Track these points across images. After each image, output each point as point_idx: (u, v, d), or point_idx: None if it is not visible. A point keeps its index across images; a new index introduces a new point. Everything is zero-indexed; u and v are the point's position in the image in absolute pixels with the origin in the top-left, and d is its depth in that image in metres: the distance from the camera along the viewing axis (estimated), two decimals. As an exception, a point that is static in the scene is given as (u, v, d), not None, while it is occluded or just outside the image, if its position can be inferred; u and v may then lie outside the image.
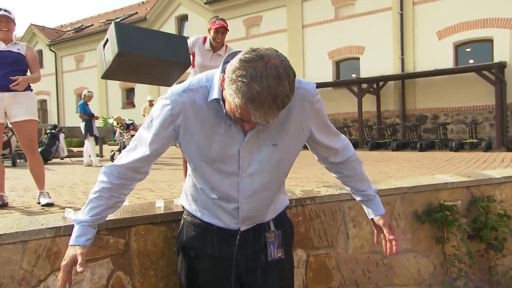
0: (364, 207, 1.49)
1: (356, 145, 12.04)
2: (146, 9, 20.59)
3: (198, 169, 1.22)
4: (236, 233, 1.26)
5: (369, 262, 2.12)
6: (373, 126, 12.69)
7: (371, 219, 1.47)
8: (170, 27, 18.90)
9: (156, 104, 1.23)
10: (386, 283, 2.18)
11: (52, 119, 23.39)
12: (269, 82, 0.95)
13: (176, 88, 1.19)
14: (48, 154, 8.98)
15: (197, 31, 17.90)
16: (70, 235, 1.39)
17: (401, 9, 12.71)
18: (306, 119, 1.22)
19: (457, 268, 2.31)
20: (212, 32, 3.62)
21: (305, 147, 1.35)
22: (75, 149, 12.43)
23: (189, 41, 3.67)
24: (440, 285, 2.33)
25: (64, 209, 3.05)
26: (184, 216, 1.36)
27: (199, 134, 1.16)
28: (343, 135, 1.39)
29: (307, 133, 1.25)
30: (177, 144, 1.27)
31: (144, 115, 11.25)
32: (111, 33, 2.89)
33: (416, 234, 2.26)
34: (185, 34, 18.61)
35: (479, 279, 2.45)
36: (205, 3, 17.24)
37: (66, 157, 9.83)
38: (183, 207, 1.37)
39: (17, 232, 1.30)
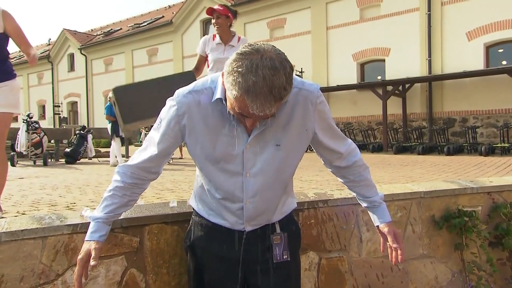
0: (370, 213, 1.48)
1: (380, 148, 11.85)
2: (172, 13, 21.01)
3: (204, 169, 1.25)
4: (242, 234, 1.28)
5: (383, 267, 2.09)
6: (398, 129, 12.44)
7: (376, 226, 1.46)
8: (195, 31, 19.20)
9: (164, 107, 1.27)
10: (402, 289, 2.15)
11: (82, 121, 24.21)
12: (264, 73, 0.98)
13: (182, 90, 1.23)
14: (76, 154, 9.31)
15: (222, 34, 18.10)
16: (87, 232, 1.47)
17: (429, 9, 12.41)
18: (309, 120, 1.23)
19: (476, 276, 2.25)
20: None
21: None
22: (103, 150, 12.82)
23: (199, 46, 3.70)
24: (459, 293, 2.28)
25: (88, 207, 3.17)
26: (193, 216, 1.40)
27: (204, 134, 1.19)
28: (349, 140, 1.39)
29: (311, 134, 1.26)
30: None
31: None
32: (114, 100, 2.83)
33: (434, 240, 2.21)
34: (210, 37, 18.88)
35: (501, 288, 2.37)
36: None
37: (94, 157, 10.15)
38: (192, 208, 1.41)
39: (37, 228, 1.38)
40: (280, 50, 1.06)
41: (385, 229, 1.41)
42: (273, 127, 1.18)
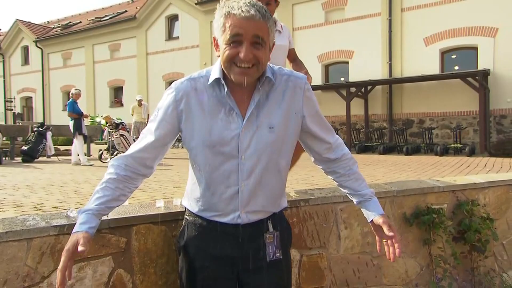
0: (363, 210, 1.46)
1: (344, 148, 12.19)
2: (136, 8, 20.47)
3: (199, 156, 1.26)
4: (236, 231, 1.30)
5: (359, 262, 2.19)
6: (361, 130, 12.89)
7: (370, 221, 1.43)
8: (160, 27, 18.83)
9: (162, 98, 1.31)
10: (375, 283, 2.26)
11: (38, 117, 23.03)
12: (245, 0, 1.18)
13: (178, 80, 1.30)
14: (35, 153, 8.87)
15: (188, 31, 17.87)
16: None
17: (390, 15, 12.94)
18: (298, 104, 1.30)
19: (442, 269, 2.41)
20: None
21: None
22: (62, 148, 12.30)
23: None
24: (426, 285, 2.42)
25: (57, 208, 3.05)
26: (186, 216, 1.39)
27: (201, 118, 1.24)
28: (336, 135, 1.44)
29: (300, 118, 1.31)
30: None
31: (132, 115, 11.18)
32: None
33: (405, 236, 2.34)
34: (175, 34, 18.58)
35: (463, 280, 2.55)
36: (196, 4, 17.23)
37: (53, 155, 9.71)
38: (185, 207, 1.41)
39: (22, 229, 1.33)
40: None
41: (379, 220, 1.38)
42: (266, 110, 1.25)
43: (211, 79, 1.24)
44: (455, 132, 11.10)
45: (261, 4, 1.18)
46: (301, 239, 2.00)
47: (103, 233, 1.50)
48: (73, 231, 1.20)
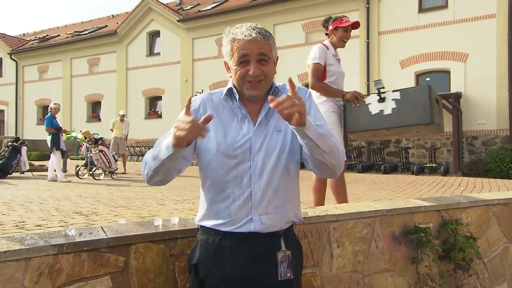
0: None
1: (323, 166, 12.36)
2: (117, 23, 20.40)
3: (215, 159, 1.33)
4: (249, 247, 1.31)
5: (351, 281, 2.22)
6: (360, 148, 13.12)
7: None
8: (141, 42, 18.80)
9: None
10: (365, 301, 2.28)
11: (10, 131, 22.29)
12: (246, 24, 1.35)
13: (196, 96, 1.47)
14: (8, 168, 8.59)
15: (169, 47, 17.90)
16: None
17: (368, 37, 13.42)
18: None
19: (429, 287, 2.46)
20: (340, 31, 3.25)
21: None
22: (36, 163, 11.91)
23: (317, 55, 3.25)
24: (413, 303, 2.47)
25: (40, 226, 2.96)
26: (198, 235, 1.41)
27: (217, 125, 1.36)
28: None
29: None
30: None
31: (112, 130, 10.94)
32: (419, 95, 2.79)
33: (394, 255, 2.39)
34: (156, 50, 18.56)
35: (448, 297, 2.61)
36: (178, 21, 17.35)
37: (28, 171, 9.41)
38: (198, 226, 1.43)
39: (21, 249, 1.30)
40: None
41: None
42: (274, 117, 1.37)
43: (224, 91, 1.42)
44: (430, 152, 11.47)
45: (261, 26, 1.36)
46: (296, 258, 2.02)
47: (102, 252, 1.48)
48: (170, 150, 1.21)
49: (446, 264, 2.63)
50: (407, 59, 12.98)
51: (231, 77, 1.39)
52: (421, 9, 12.95)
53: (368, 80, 13.41)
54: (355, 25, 3.30)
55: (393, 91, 3.03)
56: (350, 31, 3.32)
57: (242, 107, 1.38)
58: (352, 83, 13.60)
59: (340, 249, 2.18)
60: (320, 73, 3.24)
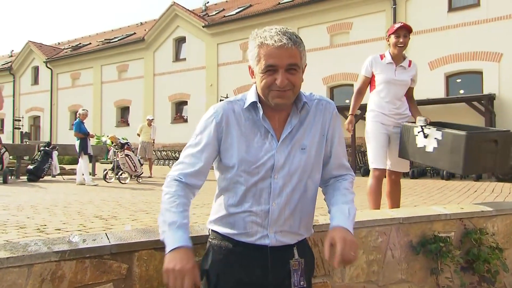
0: (330, 220, 1.35)
1: (349, 171, 12.15)
2: (145, 30, 20.94)
3: (236, 174, 1.30)
4: (262, 254, 1.29)
5: (365, 291, 2.14)
6: (365, 152, 12.82)
7: (333, 227, 1.31)
8: (167, 48, 19.18)
9: (200, 121, 1.36)
10: (381, 313, 2.19)
11: (45, 136, 23.25)
12: (276, 27, 1.27)
13: (219, 103, 1.37)
14: (40, 172, 8.92)
15: (194, 52, 18.17)
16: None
17: (395, 39, 13.10)
18: (326, 126, 1.38)
19: (450, 300, 2.34)
20: (392, 37, 3.19)
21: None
22: (67, 167, 12.34)
23: (364, 67, 3.32)
24: (434, 316, 2.35)
25: (59, 230, 3.04)
26: (210, 240, 1.39)
27: (239, 138, 1.30)
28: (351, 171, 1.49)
29: (324, 140, 1.38)
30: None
31: (139, 135, 11.16)
32: (457, 142, 2.69)
33: (411, 265, 2.29)
34: (182, 56, 18.89)
35: (472, 311, 2.47)
36: (203, 27, 17.60)
37: (58, 174, 9.75)
38: (210, 230, 1.40)
39: (23, 255, 1.32)
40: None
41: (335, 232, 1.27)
42: (300, 133, 1.33)
43: (247, 103, 1.32)
44: (461, 156, 11.02)
45: (291, 31, 1.27)
46: (305, 267, 1.96)
47: (105, 259, 1.48)
48: (177, 245, 1.18)
49: (470, 276, 2.49)
50: (436, 60, 12.58)
51: (255, 82, 1.32)
52: (451, 8, 12.54)
53: (395, 82, 13.08)
54: (406, 27, 3.18)
55: (437, 129, 2.90)
56: (405, 35, 3.19)
57: (265, 122, 1.31)
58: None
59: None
60: (362, 84, 3.34)
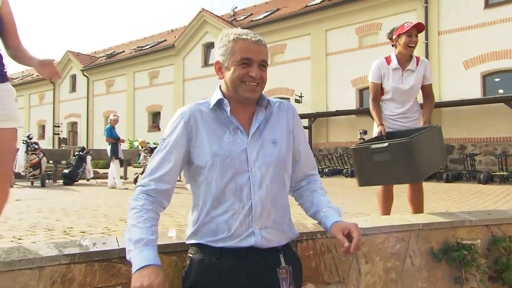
0: (323, 218, 1.43)
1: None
2: (175, 37, 21.41)
3: (211, 172, 1.30)
4: (248, 261, 1.27)
5: (383, 300, 2.07)
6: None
7: (334, 222, 1.37)
8: (196, 54, 19.52)
9: (167, 127, 1.38)
10: (401, 323, 2.11)
11: (82, 141, 24.23)
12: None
13: (186, 106, 1.42)
14: (74, 176, 9.30)
15: (223, 58, 18.38)
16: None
17: (426, 38, 12.70)
18: (290, 124, 1.47)
19: (477, 311, 2.22)
20: (403, 37, 3.03)
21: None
22: (101, 171, 12.79)
23: (372, 73, 3.21)
24: (460, 328, 2.23)
25: (84, 232, 3.15)
26: (191, 254, 1.36)
27: (210, 136, 1.33)
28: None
29: (291, 138, 1.46)
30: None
31: None
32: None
33: (433, 273, 2.19)
34: (210, 61, 19.17)
35: (502, 324, 2.33)
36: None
37: (92, 178, 10.12)
38: (189, 245, 1.38)
39: (35, 258, 1.37)
40: None
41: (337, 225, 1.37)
42: (267, 128, 1.40)
43: (213, 102, 1.37)
44: (500, 159, 10.47)
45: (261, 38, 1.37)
46: (318, 273, 1.92)
47: (113, 263, 1.51)
48: (145, 264, 1.15)
49: (499, 287, 2.35)
50: (471, 59, 12.06)
51: (221, 79, 1.38)
52: (487, 5, 11.99)
53: (427, 82, 12.66)
54: (419, 27, 3.05)
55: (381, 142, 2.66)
56: (416, 35, 3.06)
57: (233, 118, 1.36)
58: (410, 86, 12.94)
59: (369, 265, 2.04)
60: (375, 91, 3.21)
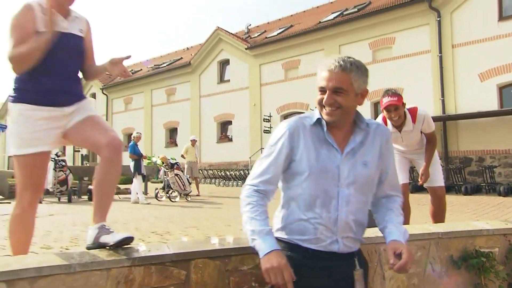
0: (386, 234, 1.57)
1: (396, 187, 11.83)
2: (191, 55, 21.97)
3: (306, 181, 1.49)
4: (328, 264, 1.46)
5: (406, 304, 2.21)
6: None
7: (392, 240, 1.52)
8: (212, 71, 19.97)
9: (272, 134, 1.59)
10: (424, 327, 2.24)
11: (101, 157, 24.74)
12: (339, 56, 1.51)
13: (292, 118, 1.60)
14: (99, 191, 9.59)
15: (238, 74, 18.78)
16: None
17: (440, 51, 12.80)
18: (383, 147, 1.58)
19: (497, 316, 2.33)
20: (385, 112, 3.13)
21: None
22: (122, 186, 13.12)
23: None
24: (481, 332, 2.35)
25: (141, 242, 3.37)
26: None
27: (309, 149, 1.50)
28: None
29: (381, 160, 1.57)
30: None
31: (184, 156, 11.55)
32: None
33: (453, 279, 2.32)
34: (226, 77, 19.58)
35: (522, 329, 2.43)
36: (246, 49, 18.19)
37: (115, 194, 10.41)
38: (278, 240, 1.53)
39: (103, 260, 1.59)
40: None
41: (392, 245, 1.51)
42: (362, 149, 1.53)
43: (313, 120, 1.54)
44: (519, 171, 10.40)
45: (350, 59, 1.49)
46: (346, 279, 2.08)
47: (167, 266, 1.72)
48: (270, 249, 1.40)
49: (518, 293, 2.47)
50: (487, 72, 12.09)
51: None
52: (501, 17, 12.06)
53: (442, 95, 12.72)
54: (392, 105, 3.03)
55: None
56: (396, 108, 3.03)
57: (329, 137, 1.51)
58: (425, 99, 12.99)
59: (392, 271, 2.19)
60: None
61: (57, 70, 1.89)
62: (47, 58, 1.83)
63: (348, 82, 1.45)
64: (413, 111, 3.23)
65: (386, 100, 3.08)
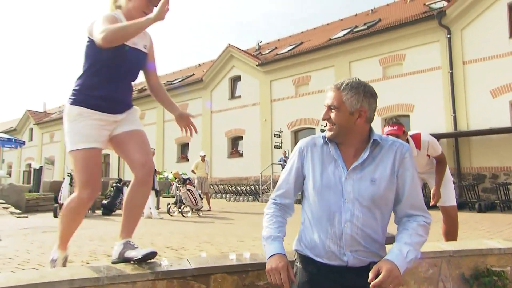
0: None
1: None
2: (203, 71, 22.34)
3: (312, 196, 1.59)
4: (342, 276, 1.51)
5: (419, 322, 2.24)
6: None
7: (383, 258, 1.48)
8: (224, 87, 20.25)
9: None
10: None
11: (113, 172, 25.08)
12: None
13: (304, 138, 1.73)
14: (113, 206, 9.75)
15: (249, 90, 19.02)
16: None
17: (451, 68, 12.84)
18: (396, 165, 1.57)
19: (510, 335, 2.34)
20: None
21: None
22: (134, 201, 13.25)
23: None
24: None
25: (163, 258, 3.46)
26: (297, 264, 1.65)
27: (316, 166, 1.62)
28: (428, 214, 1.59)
29: (394, 177, 1.56)
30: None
31: (194, 172, 11.64)
32: None
33: (465, 297, 2.36)
34: (237, 93, 19.83)
35: None
36: (256, 65, 18.46)
37: (128, 208, 10.54)
38: (296, 252, 1.68)
39: (129, 274, 1.69)
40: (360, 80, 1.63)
41: (382, 264, 1.44)
42: (371, 166, 1.56)
43: (322, 141, 1.66)
44: (534, 188, 10.26)
45: (349, 80, 1.59)
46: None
47: (188, 280, 1.81)
48: (273, 253, 1.54)
49: (531, 313, 2.48)
50: (499, 88, 12.07)
51: None
52: (512, 34, 12.11)
53: (454, 111, 12.70)
54: (394, 134, 3.03)
55: None
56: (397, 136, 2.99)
57: (337, 154, 1.60)
58: (437, 116, 12.99)
59: (404, 287, 2.24)
60: None
61: (120, 81, 2.03)
62: (114, 69, 1.97)
63: (339, 100, 1.56)
64: (417, 138, 3.28)
65: (386, 130, 3.15)
